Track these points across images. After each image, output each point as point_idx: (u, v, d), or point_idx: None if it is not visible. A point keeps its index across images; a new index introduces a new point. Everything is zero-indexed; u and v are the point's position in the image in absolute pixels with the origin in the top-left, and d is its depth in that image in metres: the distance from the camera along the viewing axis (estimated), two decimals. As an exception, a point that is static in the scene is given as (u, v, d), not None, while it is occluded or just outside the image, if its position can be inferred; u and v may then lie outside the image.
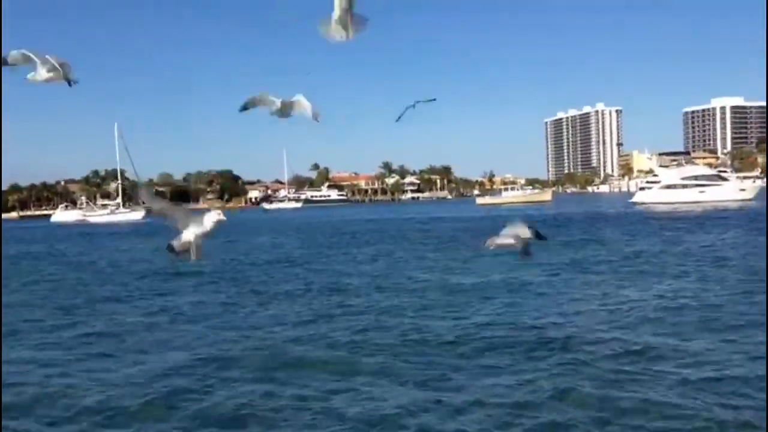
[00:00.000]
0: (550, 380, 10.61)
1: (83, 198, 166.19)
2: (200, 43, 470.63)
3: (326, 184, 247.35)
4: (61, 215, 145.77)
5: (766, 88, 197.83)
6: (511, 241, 5.87)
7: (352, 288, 22.31)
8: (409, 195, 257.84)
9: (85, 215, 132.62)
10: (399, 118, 5.77)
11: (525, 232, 5.89)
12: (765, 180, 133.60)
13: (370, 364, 12.12)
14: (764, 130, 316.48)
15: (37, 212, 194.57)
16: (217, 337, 15.01)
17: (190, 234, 4.68)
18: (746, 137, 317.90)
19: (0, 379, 10.70)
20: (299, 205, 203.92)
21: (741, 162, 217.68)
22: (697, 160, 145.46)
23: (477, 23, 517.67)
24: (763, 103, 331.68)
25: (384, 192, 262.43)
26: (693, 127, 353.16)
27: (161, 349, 14.11)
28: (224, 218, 4.70)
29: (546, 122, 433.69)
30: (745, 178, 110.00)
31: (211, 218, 4.67)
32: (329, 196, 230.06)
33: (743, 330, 13.45)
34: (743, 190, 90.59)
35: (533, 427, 8.93)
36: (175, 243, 4.74)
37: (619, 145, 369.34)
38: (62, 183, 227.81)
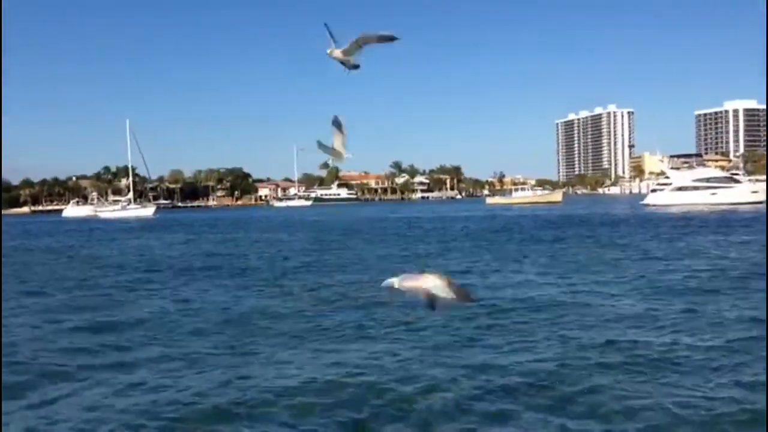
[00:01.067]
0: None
1: (94, 194, 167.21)
2: (212, 43, 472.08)
3: (336, 182, 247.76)
4: (73, 210, 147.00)
5: (767, 91, 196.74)
6: None
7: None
8: (419, 194, 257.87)
9: (96, 211, 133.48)
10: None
11: None
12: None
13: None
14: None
15: (49, 207, 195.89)
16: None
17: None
18: (759, 140, 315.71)
19: (0, 376, 10.70)
20: (309, 203, 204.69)
21: (754, 164, 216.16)
22: (709, 163, 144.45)
23: (489, 25, 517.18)
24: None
25: (393, 191, 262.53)
26: (705, 130, 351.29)
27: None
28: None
29: (557, 123, 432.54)
30: (757, 180, 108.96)
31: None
32: (339, 194, 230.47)
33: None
34: (755, 192, 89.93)
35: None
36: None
37: (631, 146, 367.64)
38: (74, 179, 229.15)
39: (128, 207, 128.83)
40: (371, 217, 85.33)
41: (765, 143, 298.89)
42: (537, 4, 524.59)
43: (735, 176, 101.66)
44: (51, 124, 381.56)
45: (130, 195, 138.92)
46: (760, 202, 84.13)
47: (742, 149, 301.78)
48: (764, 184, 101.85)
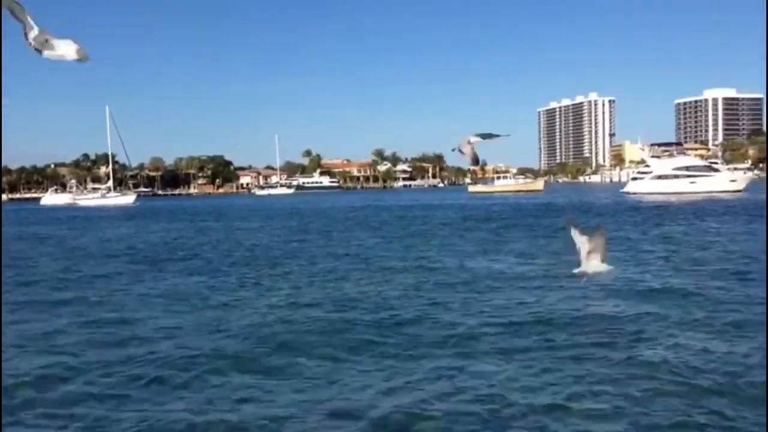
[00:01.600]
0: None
1: (73, 181, 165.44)
2: (191, 29, 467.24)
3: (318, 170, 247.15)
4: (51, 198, 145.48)
5: (767, 81, 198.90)
6: None
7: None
8: (401, 183, 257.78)
9: (75, 199, 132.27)
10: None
11: None
12: (755, 171, 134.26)
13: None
14: (756, 121, 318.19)
15: (27, 195, 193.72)
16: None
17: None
18: (738, 129, 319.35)
19: (0, 378, 10.50)
20: (291, 191, 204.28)
21: (732, 153, 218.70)
22: (689, 152, 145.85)
23: (470, 13, 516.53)
24: (755, 95, 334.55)
25: (376, 179, 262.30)
26: (685, 118, 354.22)
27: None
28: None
29: (539, 112, 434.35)
30: (735, 169, 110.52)
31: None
32: (321, 182, 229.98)
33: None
34: (734, 181, 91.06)
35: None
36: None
37: (612, 135, 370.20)
38: (52, 166, 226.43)
39: (108, 195, 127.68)
40: (354, 206, 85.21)
41: (743, 132, 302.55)
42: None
43: (714, 165, 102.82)
44: (29, 110, 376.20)
45: (110, 183, 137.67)
46: (738, 191, 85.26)
47: (720, 138, 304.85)
48: (742, 172, 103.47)
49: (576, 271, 5.33)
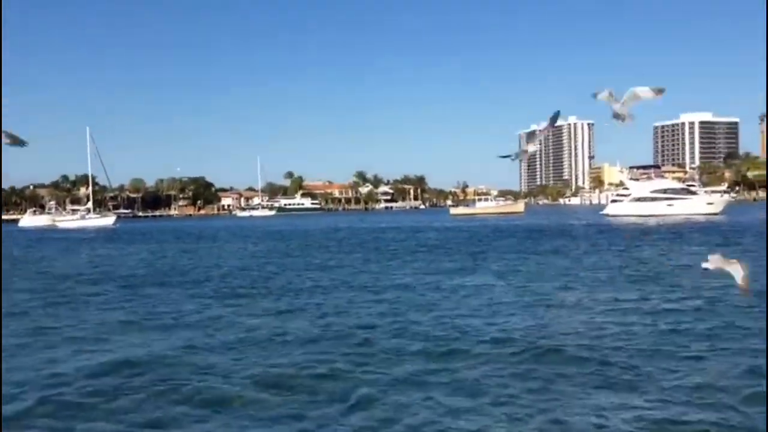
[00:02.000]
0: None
1: (52, 203, 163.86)
2: (174, 48, 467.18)
3: (300, 192, 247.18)
4: (30, 220, 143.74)
5: (766, 99, 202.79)
6: None
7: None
8: (383, 204, 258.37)
9: (54, 220, 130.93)
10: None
11: None
12: (732, 194, 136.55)
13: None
14: (731, 144, 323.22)
15: (5, 217, 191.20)
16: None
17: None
18: (714, 152, 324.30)
19: (0, 379, 10.47)
20: (272, 213, 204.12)
21: (708, 176, 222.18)
22: (667, 174, 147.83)
23: (452, 32, 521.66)
24: (731, 119, 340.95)
25: (357, 201, 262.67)
26: (662, 142, 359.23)
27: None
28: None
29: (519, 135, 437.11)
30: (712, 192, 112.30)
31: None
32: (303, 204, 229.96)
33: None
34: (711, 203, 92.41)
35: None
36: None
37: (591, 157, 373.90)
38: (31, 187, 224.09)
39: (87, 216, 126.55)
40: (334, 227, 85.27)
41: (719, 155, 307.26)
42: (498, 16, 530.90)
43: (691, 188, 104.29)
44: (6, 128, 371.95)
45: (90, 204, 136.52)
46: (715, 214, 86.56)
47: (697, 161, 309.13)
48: (719, 195, 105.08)
49: (705, 265, 6.19)
